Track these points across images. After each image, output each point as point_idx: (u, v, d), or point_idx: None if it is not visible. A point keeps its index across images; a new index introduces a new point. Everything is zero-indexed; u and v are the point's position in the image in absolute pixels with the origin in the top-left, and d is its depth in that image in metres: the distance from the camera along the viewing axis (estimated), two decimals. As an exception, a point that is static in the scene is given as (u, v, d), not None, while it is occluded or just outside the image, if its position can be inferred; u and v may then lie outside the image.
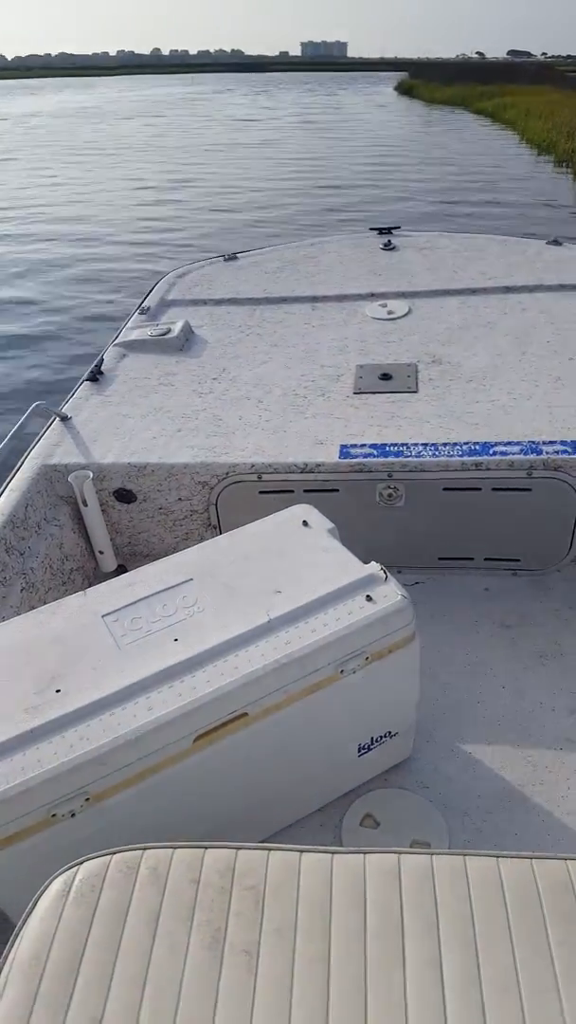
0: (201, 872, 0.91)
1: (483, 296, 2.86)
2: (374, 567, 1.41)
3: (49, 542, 2.00)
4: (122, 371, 2.54)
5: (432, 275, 3.07)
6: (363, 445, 2.01)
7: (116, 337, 2.77)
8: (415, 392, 2.24)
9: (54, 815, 1.12)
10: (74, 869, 0.92)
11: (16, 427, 2.04)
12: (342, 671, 1.32)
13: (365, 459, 1.96)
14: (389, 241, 3.47)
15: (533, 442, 1.96)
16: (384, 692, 1.43)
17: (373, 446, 2.00)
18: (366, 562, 1.43)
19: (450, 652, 1.88)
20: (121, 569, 2.21)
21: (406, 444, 2.00)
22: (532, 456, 1.91)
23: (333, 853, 0.95)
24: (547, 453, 1.92)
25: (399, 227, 3.63)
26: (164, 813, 1.24)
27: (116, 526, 2.18)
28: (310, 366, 2.46)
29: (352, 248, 3.48)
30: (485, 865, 0.93)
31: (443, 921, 0.88)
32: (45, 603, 1.72)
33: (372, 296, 2.92)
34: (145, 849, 0.93)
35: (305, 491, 2.01)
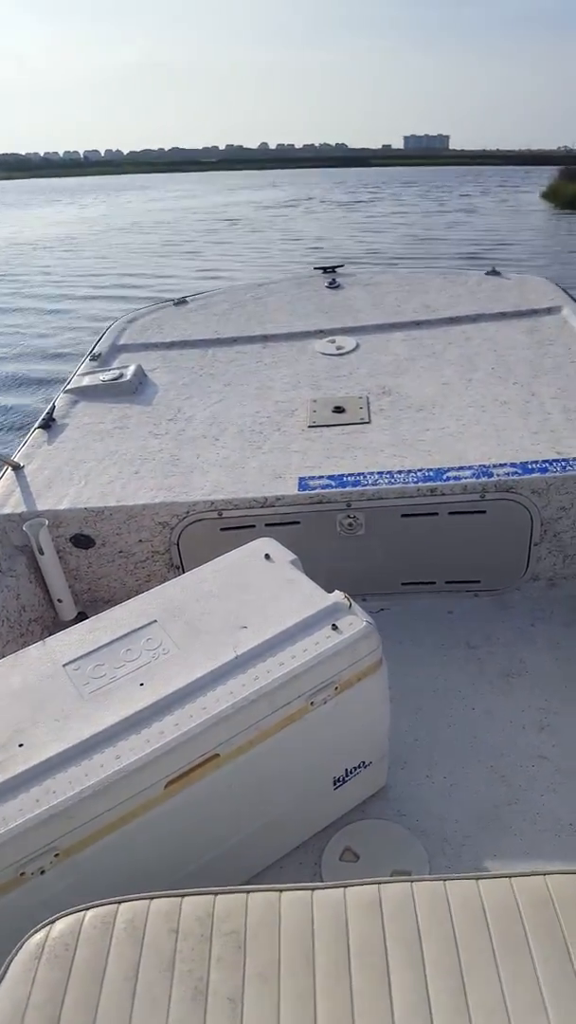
0: (179, 921, 0.90)
1: (427, 328, 2.94)
2: (338, 596, 1.42)
3: (5, 594, 1.96)
4: (75, 417, 2.54)
5: (377, 310, 3.15)
6: (321, 477, 2.05)
7: (67, 383, 2.77)
8: (368, 423, 2.29)
9: (23, 873, 1.09)
10: (46, 928, 0.90)
11: None
12: (312, 703, 1.31)
13: (324, 490, 2.00)
14: (334, 280, 3.55)
15: (484, 465, 2.01)
16: (355, 721, 1.42)
17: (331, 477, 2.04)
18: (330, 591, 1.44)
19: (418, 676, 1.89)
20: (81, 616, 2.16)
21: (363, 474, 2.04)
22: (484, 479, 1.96)
23: (313, 889, 0.94)
24: (498, 475, 1.97)
25: (342, 265, 3.71)
26: (138, 863, 1.21)
27: (75, 573, 2.15)
28: (264, 403, 2.51)
29: (298, 288, 3.55)
30: (465, 888, 0.94)
31: (427, 948, 0.88)
32: (3, 656, 1.60)
33: (320, 333, 2.98)
34: (120, 902, 0.92)
35: (266, 525, 2.02)
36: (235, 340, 3.03)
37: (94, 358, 2.98)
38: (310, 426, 2.31)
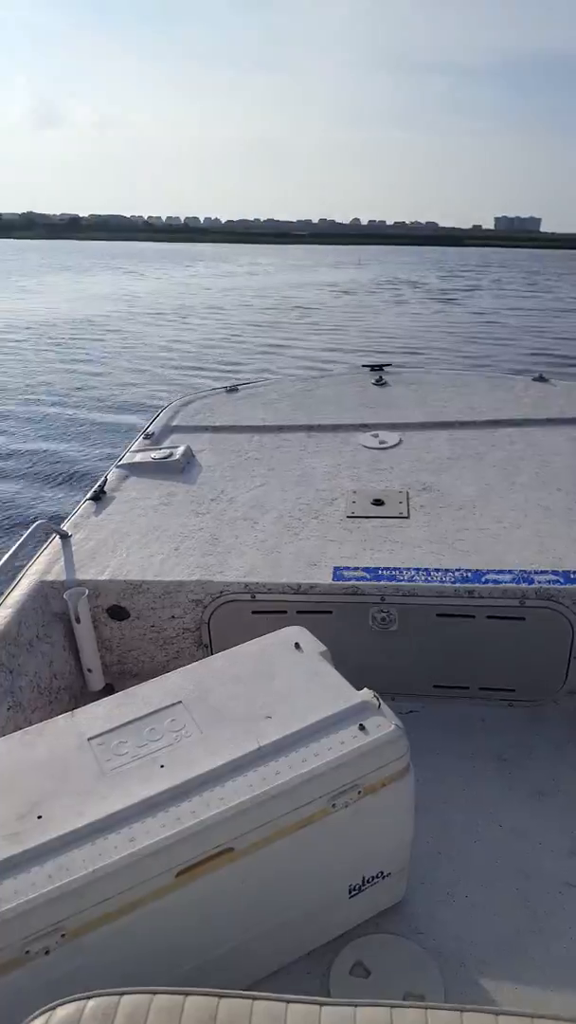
0: (181, 1022, 0.86)
1: (471, 429, 2.95)
2: (367, 694, 1.40)
3: (40, 660, 1.98)
4: (123, 491, 2.60)
5: (421, 408, 3.18)
6: (356, 568, 2.03)
7: (120, 460, 2.85)
8: (407, 518, 2.29)
9: (27, 952, 1.07)
10: (46, 1015, 0.87)
11: (17, 545, 2.07)
12: (334, 805, 1.28)
13: (358, 581, 1.98)
14: (380, 377, 3.61)
15: (524, 571, 1.98)
16: (377, 828, 1.38)
17: (366, 569, 2.02)
18: (359, 688, 1.42)
19: (445, 786, 1.82)
20: (109, 688, 2.16)
21: (399, 568, 2.02)
22: (524, 585, 1.93)
23: (321, 1004, 0.90)
24: (539, 582, 1.93)
25: (390, 364, 3.78)
26: (143, 952, 1.18)
27: (107, 643, 2.16)
28: (305, 489, 2.53)
29: (346, 383, 3.62)
30: (483, 1022, 0.89)
31: None
32: (31, 723, 1.63)
33: (364, 427, 3.02)
34: (122, 995, 0.89)
35: (298, 612, 2.00)
36: (281, 428, 3.08)
37: (147, 436, 3.06)
38: (348, 516, 2.32)
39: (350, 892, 1.40)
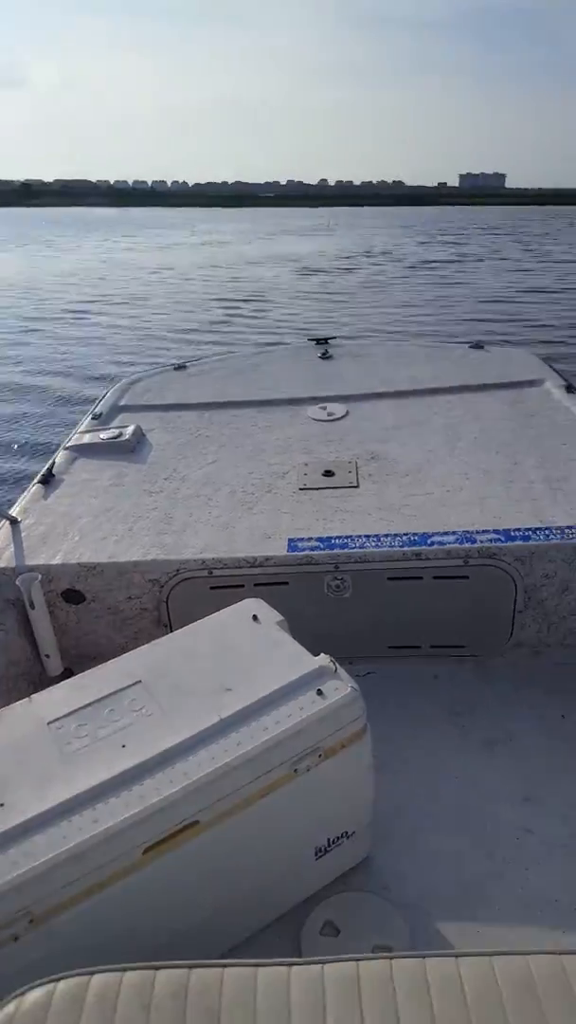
0: (153, 996, 0.87)
1: (414, 398, 3.01)
2: (324, 659, 1.42)
3: None
4: (73, 473, 2.56)
5: (366, 380, 3.22)
6: (310, 538, 2.05)
7: (68, 441, 2.79)
8: (356, 487, 2.32)
9: None
10: (15, 1001, 0.87)
11: None
12: (296, 770, 1.30)
13: (312, 551, 2.00)
14: (326, 351, 3.62)
15: (468, 532, 2.03)
16: (339, 789, 1.41)
17: (319, 539, 2.05)
18: (316, 654, 1.44)
19: (402, 743, 1.87)
20: (68, 672, 2.13)
21: (351, 536, 2.05)
22: (467, 545, 1.98)
23: (290, 965, 0.93)
24: (481, 542, 1.99)
25: (335, 337, 3.81)
26: (113, 931, 1.18)
27: (63, 628, 2.13)
28: (257, 464, 2.53)
29: (293, 357, 3.64)
30: (445, 967, 0.93)
31: None
32: None
33: (313, 400, 3.03)
34: (92, 974, 0.89)
35: (255, 585, 2.01)
36: (231, 404, 3.06)
37: (95, 417, 3.01)
38: (300, 488, 2.34)
39: (316, 854, 1.43)
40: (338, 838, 1.44)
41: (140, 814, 1.14)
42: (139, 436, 2.76)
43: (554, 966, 0.91)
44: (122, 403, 3.14)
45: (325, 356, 3.53)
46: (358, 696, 1.35)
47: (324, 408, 2.91)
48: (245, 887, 1.34)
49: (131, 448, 2.67)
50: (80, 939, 1.13)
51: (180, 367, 3.56)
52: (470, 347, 3.57)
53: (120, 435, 2.71)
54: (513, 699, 1.98)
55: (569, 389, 2.94)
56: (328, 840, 1.43)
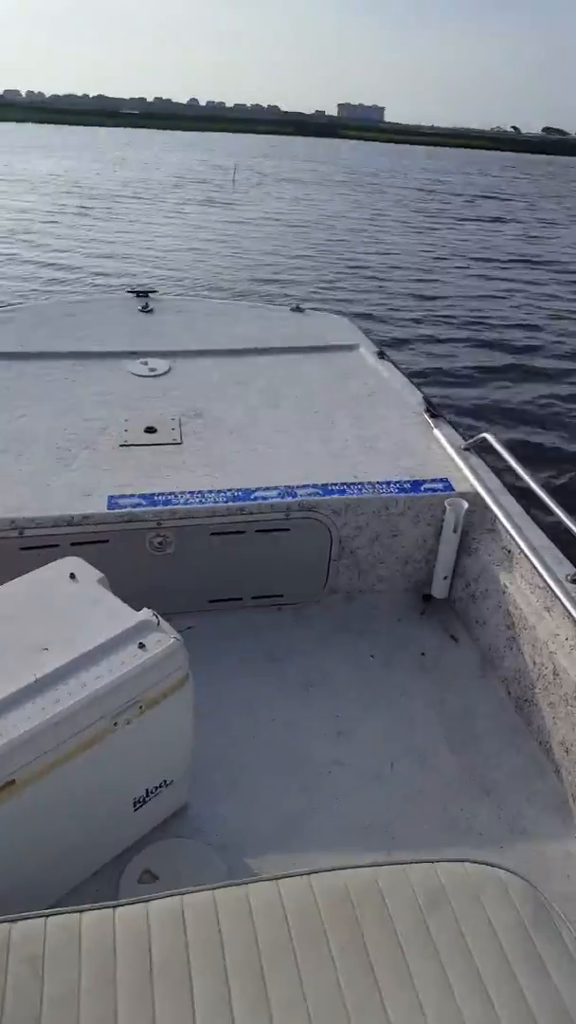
0: None
1: (238, 357, 3.02)
2: (146, 614, 1.41)
3: None
4: None
5: (190, 336, 3.19)
6: (131, 496, 2.02)
7: None
8: (180, 444, 2.31)
9: None
10: None
11: None
12: (115, 723, 1.29)
13: (134, 509, 1.98)
14: (147, 304, 3.52)
15: (289, 486, 2.11)
16: (160, 740, 1.42)
17: (142, 496, 2.02)
18: (138, 610, 1.43)
19: (223, 691, 1.91)
20: None
21: (174, 492, 2.05)
22: (288, 499, 2.07)
23: (115, 907, 0.92)
24: (301, 495, 2.08)
25: (155, 291, 3.70)
26: None
27: None
28: (74, 419, 2.42)
29: (110, 309, 3.49)
30: (266, 890, 0.96)
31: (229, 953, 0.89)
32: None
33: (133, 354, 2.94)
34: None
35: (72, 544, 1.94)
36: (42, 355, 2.90)
37: None
38: (121, 445, 2.28)
39: (135, 805, 1.44)
40: (157, 787, 1.46)
41: None
42: None
43: (368, 878, 0.98)
44: None
45: (145, 309, 3.46)
46: (180, 647, 1.37)
47: (145, 363, 2.87)
48: (64, 842, 1.33)
49: None
50: None
51: None
52: (291, 310, 3.64)
53: None
54: (328, 642, 2.12)
55: (380, 355, 3.10)
56: (147, 791, 1.45)
